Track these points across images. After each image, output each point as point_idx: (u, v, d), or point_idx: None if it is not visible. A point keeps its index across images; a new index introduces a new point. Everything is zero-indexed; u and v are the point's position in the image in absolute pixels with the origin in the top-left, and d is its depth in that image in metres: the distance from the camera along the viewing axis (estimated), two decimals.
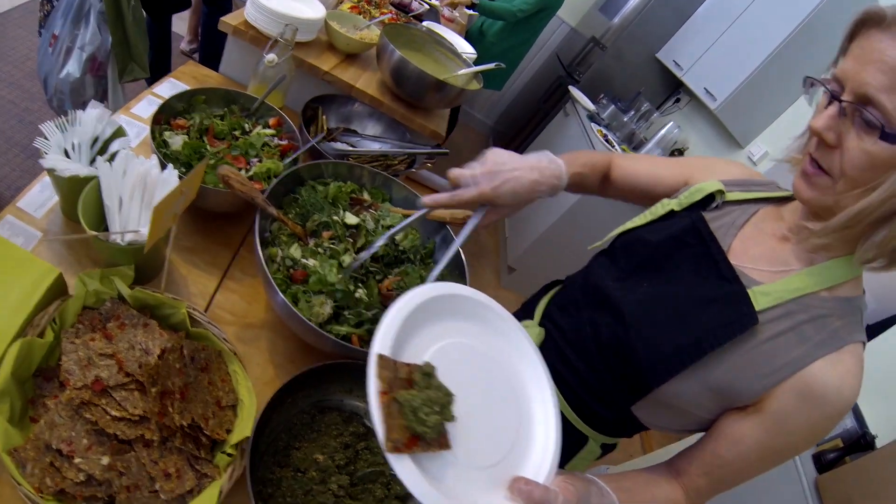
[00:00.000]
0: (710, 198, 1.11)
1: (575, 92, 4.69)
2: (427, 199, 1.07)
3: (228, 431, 0.95)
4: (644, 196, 1.27)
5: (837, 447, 2.20)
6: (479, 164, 1.08)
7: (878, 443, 2.14)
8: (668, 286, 1.05)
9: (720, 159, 1.25)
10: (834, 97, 0.84)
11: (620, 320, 1.05)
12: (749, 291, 0.95)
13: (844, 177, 0.85)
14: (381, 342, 0.78)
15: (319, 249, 1.21)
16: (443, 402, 0.76)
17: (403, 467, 0.70)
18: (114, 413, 0.86)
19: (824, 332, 0.90)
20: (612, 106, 4.68)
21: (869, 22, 0.82)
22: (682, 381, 0.96)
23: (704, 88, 4.13)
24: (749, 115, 3.86)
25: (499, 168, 1.07)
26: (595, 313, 1.13)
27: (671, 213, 1.13)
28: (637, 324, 1.03)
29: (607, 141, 4.22)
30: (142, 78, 2.65)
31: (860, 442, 2.15)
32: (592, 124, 4.32)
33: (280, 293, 1.05)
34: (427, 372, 0.79)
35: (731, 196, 1.10)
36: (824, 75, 0.90)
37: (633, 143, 4.62)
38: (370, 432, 1.12)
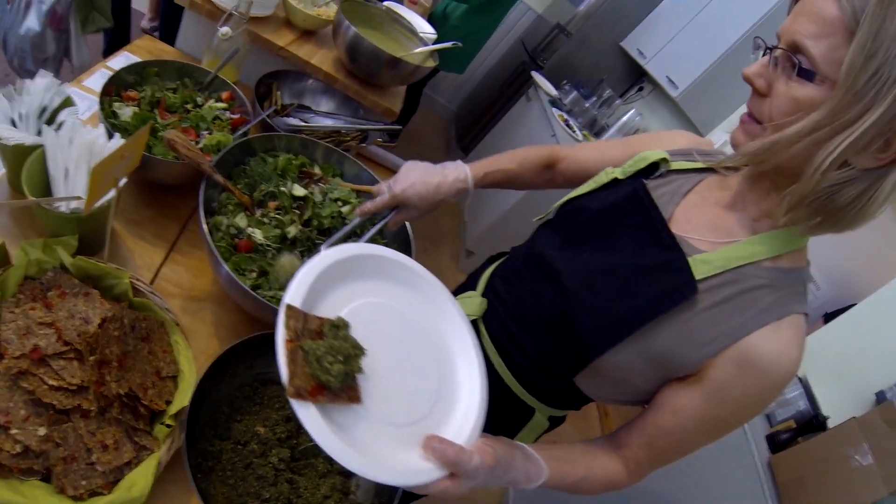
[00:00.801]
0: (654, 166, 1.11)
1: (538, 77, 4.71)
2: (358, 210, 1.22)
3: (168, 402, 0.95)
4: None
5: (790, 428, 2.27)
6: (397, 175, 1.22)
7: (830, 424, 2.20)
8: (609, 255, 1.04)
9: (667, 132, 1.25)
10: (768, 47, 0.86)
11: (561, 290, 1.05)
12: (690, 260, 0.94)
13: (772, 123, 0.85)
14: (293, 294, 0.80)
15: (265, 220, 1.22)
16: (349, 353, 0.77)
17: (306, 413, 0.72)
18: (51, 382, 0.85)
19: (764, 302, 0.89)
20: (575, 92, 4.71)
21: None
22: (622, 352, 0.96)
23: (667, 77, 4.21)
24: (710, 103, 3.95)
25: (407, 176, 1.21)
26: (537, 284, 1.13)
27: (615, 181, 1.13)
28: (577, 294, 1.02)
29: (568, 126, 4.26)
30: (105, 27, 2.59)
31: (812, 423, 2.21)
32: (554, 109, 4.35)
33: (223, 262, 1.05)
34: (337, 325, 0.80)
35: (675, 165, 1.10)
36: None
37: (595, 129, 4.67)
38: None
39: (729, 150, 1.07)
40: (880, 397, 2.17)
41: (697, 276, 0.92)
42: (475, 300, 1.23)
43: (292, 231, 1.22)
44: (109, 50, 3.49)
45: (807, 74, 0.80)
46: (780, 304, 0.89)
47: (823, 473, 1.99)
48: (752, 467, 2.22)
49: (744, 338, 0.88)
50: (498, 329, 1.18)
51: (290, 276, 0.90)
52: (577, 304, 1.01)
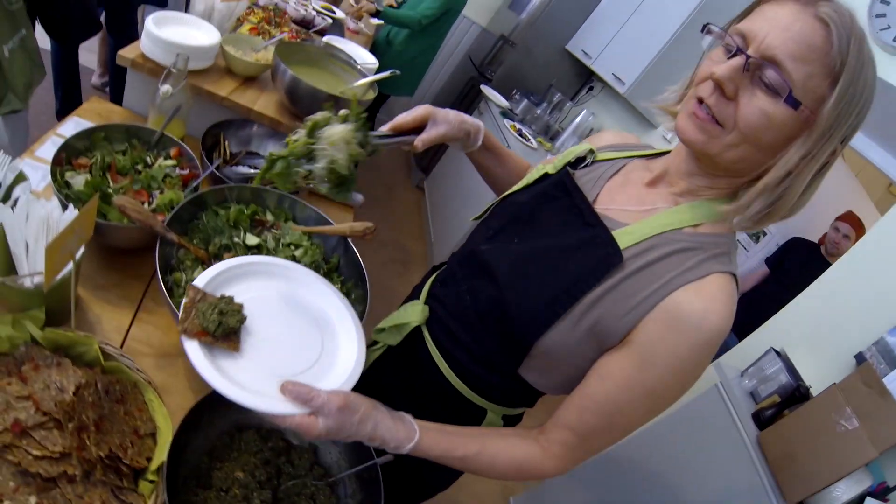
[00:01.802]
0: (581, 159, 1.17)
1: (487, 90, 4.79)
2: (384, 127, 1.20)
3: (149, 459, 0.98)
4: None
5: (775, 403, 2.29)
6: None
7: (814, 392, 2.23)
8: (537, 240, 1.07)
9: (595, 135, 1.31)
10: (740, 50, 0.86)
11: (495, 282, 1.07)
12: (613, 233, 0.98)
13: (737, 130, 0.88)
14: (197, 279, 1.06)
15: None
16: (226, 310, 1.00)
17: (189, 346, 0.96)
18: (35, 452, 0.87)
19: (686, 264, 0.92)
20: (525, 100, 4.81)
21: None
22: (558, 332, 0.98)
23: (613, 74, 4.31)
24: (658, 95, 4.03)
25: (432, 111, 1.21)
26: (472, 280, 1.15)
27: (545, 176, 1.18)
28: (509, 282, 1.05)
29: (521, 135, 4.34)
30: (19, 110, 2.59)
31: (795, 394, 2.24)
32: (505, 120, 4.43)
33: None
34: (225, 298, 1.03)
35: (601, 156, 1.17)
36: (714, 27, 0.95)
37: (550, 134, 4.77)
38: (290, 447, 1.17)
39: (657, 145, 1.14)
40: (859, 359, 2.21)
41: (622, 246, 0.96)
42: (417, 307, 1.24)
43: None
44: (62, 109, 3.53)
45: (793, 103, 0.84)
46: (703, 264, 0.92)
47: (812, 443, 2.02)
48: (742, 447, 2.25)
49: (667, 297, 0.90)
50: (441, 333, 1.20)
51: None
52: (511, 292, 1.04)
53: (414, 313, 1.23)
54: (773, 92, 0.84)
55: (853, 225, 3.89)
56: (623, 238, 0.97)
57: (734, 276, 0.94)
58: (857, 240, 3.49)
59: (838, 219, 3.99)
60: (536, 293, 1.00)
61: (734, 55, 0.87)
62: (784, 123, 0.86)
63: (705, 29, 0.95)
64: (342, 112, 1.07)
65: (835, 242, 3.92)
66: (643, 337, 0.92)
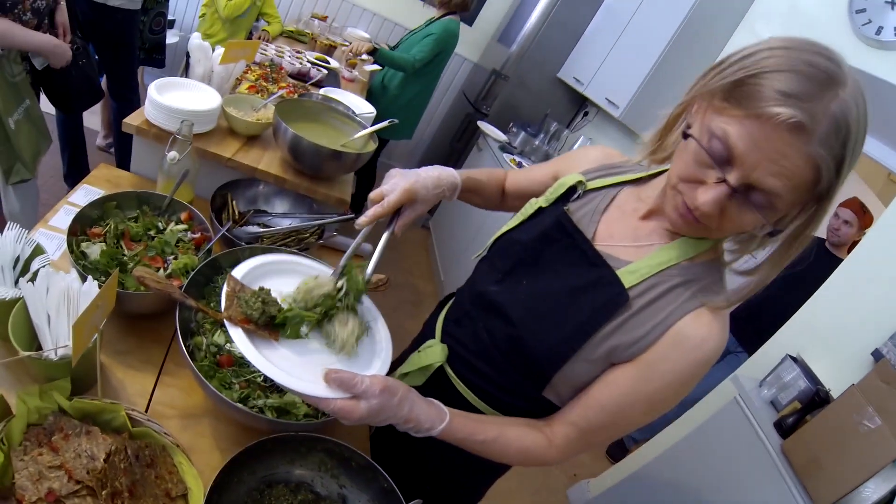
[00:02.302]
0: (572, 190, 1.22)
1: (484, 126, 4.84)
2: (362, 219, 1.17)
3: None
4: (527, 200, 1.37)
5: (796, 409, 2.31)
6: (386, 181, 1.21)
7: (834, 395, 2.24)
8: (545, 281, 1.14)
9: (580, 149, 1.39)
10: (727, 182, 0.88)
11: (509, 322, 1.14)
12: (618, 272, 1.06)
13: (721, 231, 0.99)
14: (235, 270, 1.14)
15: None
16: (266, 299, 1.05)
17: (234, 332, 1.01)
18: None
19: (688, 293, 1.01)
20: (523, 133, 4.85)
21: (788, 126, 0.81)
22: (575, 364, 1.07)
23: (606, 98, 4.34)
24: (652, 116, 4.05)
25: (405, 175, 1.20)
26: (486, 320, 1.22)
27: (539, 210, 1.24)
28: (523, 322, 1.12)
29: (521, 167, 4.37)
30: (28, 179, 2.64)
31: (815, 399, 2.26)
32: (505, 154, 4.48)
33: (207, 382, 1.13)
34: (265, 290, 1.09)
35: (591, 185, 1.22)
36: (701, 92, 0.96)
37: None
38: (319, 498, 1.19)
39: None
40: (877, 356, 2.22)
41: (627, 285, 1.04)
42: (436, 348, 1.30)
43: None
44: (70, 171, 3.61)
45: (775, 234, 0.93)
46: (698, 294, 1.01)
47: (837, 446, 2.02)
48: (767, 458, 2.26)
49: (675, 324, 1.00)
50: (464, 369, 1.26)
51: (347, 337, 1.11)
52: (526, 331, 1.12)
53: (434, 354, 1.28)
54: (761, 210, 0.89)
55: (855, 211, 3.58)
56: (627, 277, 1.05)
57: (727, 301, 1.02)
58: (860, 227, 3.46)
59: (841, 205, 3.65)
60: (551, 332, 1.08)
61: (718, 182, 0.90)
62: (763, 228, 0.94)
63: (686, 136, 0.96)
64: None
65: (835, 230, 3.59)
66: (649, 356, 1.02)
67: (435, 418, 1.05)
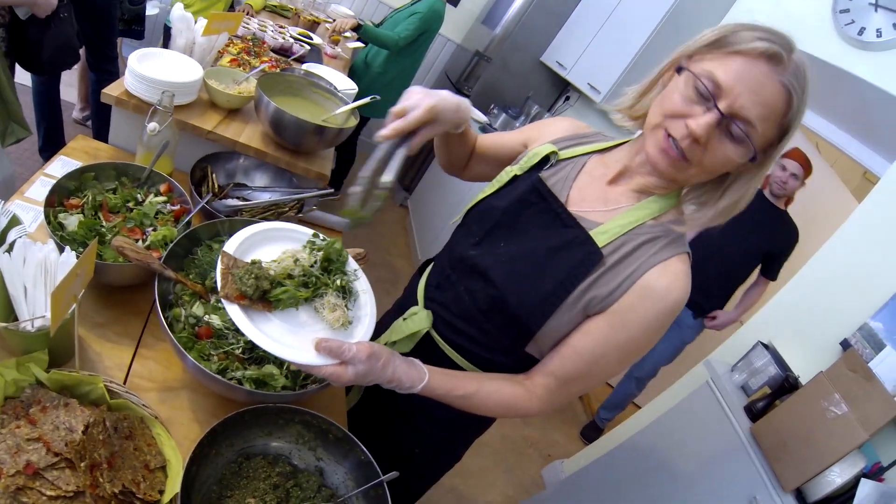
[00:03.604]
0: (545, 159, 1.27)
1: None
2: (383, 131, 1.14)
3: (161, 492, 1.00)
4: (494, 164, 1.43)
5: (765, 394, 2.35)
6: (411, 95, 1.17)
7: (802, 381, 2.29)
8: (522, 243, 1.21)
9: (549, 119, 1.43)
10: (715, 105, 0.99)
11: (490, 282, 1.21)
12: (591, 233, 1.14)
13: (700, 166, 1.06)
14: (227, 246, 1.16)
15: (219, 304, 1.27)
16: (259, 275, 1.09)
17: (231, 308, 1.05)
18: (49, 493, 0.89)
19: (652, 250, 1.11)
20: (504, 114, 4.85)
21: (764, 55, 0.97)
22: (555, 318, 1.14)
23: (588, 84, 4.37)
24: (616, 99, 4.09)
25: (429, 92, 1.17)
26: (467, 282, 1.27)
27: (514, 178, 1.30)
28: (505, 283, 1.19)
29: None
30: (25, 137, 2.60)
31: (784, 385, 2.30)
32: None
33: (186, 353, 1.13)
34: (255, 262, 1.13)
35: (563, 154, 1.29)
36: (683, 55, 1.09)
37: None
38: (297, 471, 1.20)
39: (613, 135, 1.30)
40: (845, 345, 2.27)
41: (600, 245, 1.13)
42: (422, 314, 1.34)
43: None
44: (45, 145, 3.54)
45: (753, 159, 1.02)
46: (666, 248, 1.11)
47: (804, 430, 2.07)
48: (737, 440, 2.30)
49: (643, 276, 1.09)
50: (448, 332, 1.32)
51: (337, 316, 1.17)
52: (507, 291, 1.18)
53: (420, 321, 1.32)
54: (739, 143, 1.01)
55: (802, 163, 3.47)
56: (599, 237, 1.13)
57: (688, 253, 1.14)
58: (804, 179, 3.49)
59: (786, 155, 3.50)
60: (532, 290, 1.15)
61: (708, 110, 1.01)
62: (737, 164, 1.05)
63: (680, 70, 1.07)
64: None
65: (782, 182, 3.50)
66: (621, 305, 1.11)
67: (415, 378, 1.12)
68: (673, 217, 1.16)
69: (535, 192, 1.23)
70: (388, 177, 1.12)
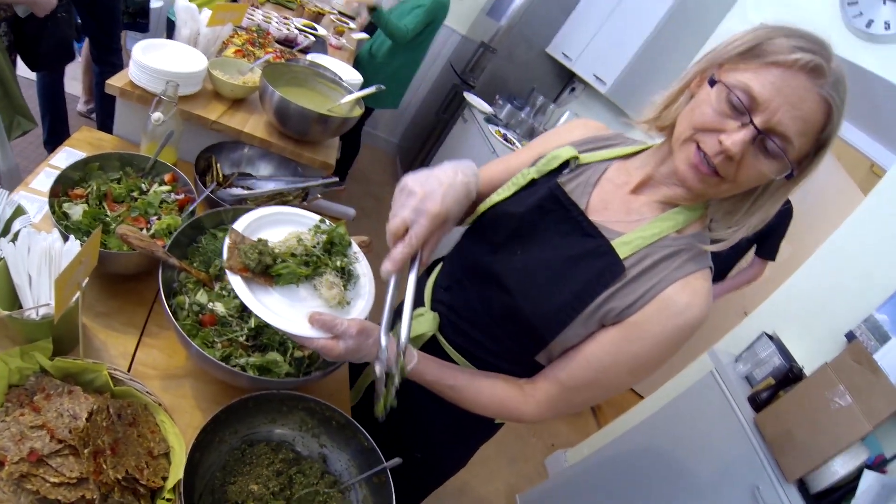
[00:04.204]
0: (565, 164, 1.23)
1: (470, 97, 4.82)
2: (389, 266, 1.05)
3: (164, 479, 1.01)
4: None
5: (770, 385, 2.34)
6: (404, 200, 1.05)
7: (807, 373, 2.29)
8: (541, 251, 1.16)
9: (562, 127, 1.37)
10: (751, 121, 0.94)
11: (506, 291, 1.17)
12: (612, 243, 1.09)
13: (734, 183, 1.01)
14: (237, 224, 1.18)
15: (224, 292, 1.29)
16: (263, 251, 1.11)
17: (234, 280, 1.08)
18: (52, 480, 0.90)
19: (675, 264, 1.06)
20: (509, 105, 4.84)
21: (805, 68, 0.91)
22: (571, 329, 1.10)
23: (594, 74, 4.34)
24: (638, 93, 4.07)
25: (430, 189, 1.04)
26: (481, 289, 1.24)
27: (532, 182, 1.24)
28: (521, 291, 1.15)
29: (506, 139, 4.37)
30: (30, 130, 2.61)
31: (789, 376, 2.30)
32: (490, 126, 4.47)
33: (190, 341, 1.14)
34: (262, 240, 1.14)
35: (583, 158, 1.23)
36: (713, 63, 1.03)
37: (534, 137, 4.77)
38: (300, 457, 1.20)
39: (634, 135, 1.26)
40: (850, 337, 2.26)
41: (622, 256, 1.08)
42: (428, 316, 1.32)
43: None
44: (49, 138, 3.54)
45: (789, 177, 0.97)
46: (686, 263, 1.07)
47: (808, 421, 2.06)
48: (741, 430, 2.30)
49: (663, 291, 1.04)
50: (456, 336, 1.30)
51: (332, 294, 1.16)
52: (523, 299, 1.14)
53: (426, 323, 1.31)
54: (774, 159, 0.96)
55: None
56: (621, 248, 1.08)
57: (710, 268, 1.10)
58: None
59: None
60: (548, 300, 1.11)
61: (743, 125, 0.95)
62: (773, 178, 0.99)
63: (712, 83, 1.00)
64: None
65: None
66: (637, 318, 1.06)
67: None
68: (697, 229, 1.12)
69: (553, 199, 1.18)
70: (403, 334, 1.00)
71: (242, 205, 1.49)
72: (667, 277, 1.05)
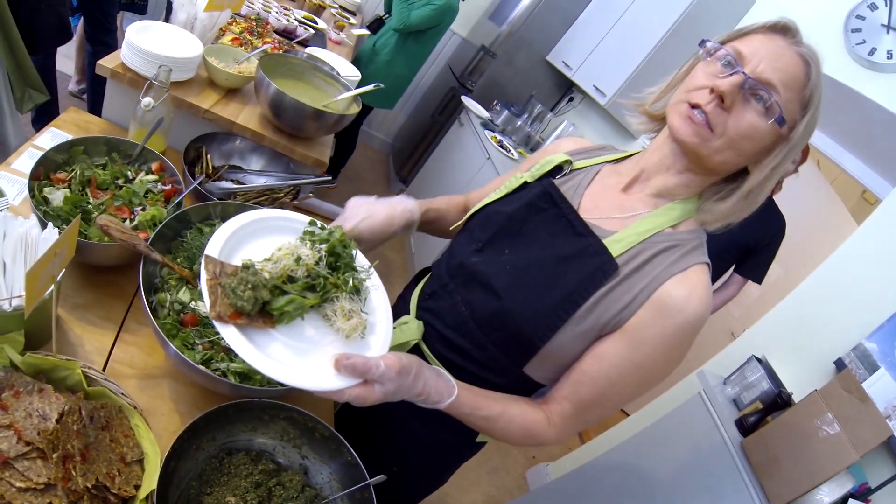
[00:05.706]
0: (558, 168, 1.23)
1: (467, 101, 4.80)
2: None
3: (137, 487, 0.95)
4: None
5: (757, 409, 2.33)
6: (342, 216, 1.24)
7: (796, 399, 2.28)
8: (529, 250, 1.15)
9: (549, 146, 1.38)
10: (740, 69, 0.99)
11: (493, 293, 1.13)
12: (604, 242, 1.08)
13: (725, 137, 1.01)
14: (210, 248, 0.97)
15: None
16: (256, 282, 0.91)
17: (227, 332, 0.88)
18: (18, 484, 0.85)
19: (670, 259, 1.05)
20: (506, 111, 4.81)
21: (777, 28, 1.03)
22: (562, 334, 1.06)
23: (594, 86, 4.34)
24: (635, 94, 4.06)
25: (355, 212, 1.24)
26: (466, 292, 1.20)
27: (524, 184, 1.25)
28: (509, 292, 1.11)
29: (502, 146, 4.34)
30: (44, 102, 2.55)
31: (777, 401, 2.29)
32: (486, 132, 4.43)
33: (168, 341, 1.07)
34: (247, 266, 0.94)
35: (577, 164, 1.25)
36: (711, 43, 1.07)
37: (530, 145, 4.78)
38: (280, 469, 1.15)
39: (626, 146, 1.24)
40: (839, 365, 2.25)
41: (614, 254, 1.06)
42: (412, 325, 1.27)
43: None
44: (38, 117, 3.46)
45: (779, 120, 0.99)
46: (684, 258, 1.05)
47: (795, 448, 2.05)
48: (726, 453, 2.28)
49: (656, 290, 1.02)
50: (440, 345, 1.25)
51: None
52: (512, 301, 1.11)
53: (410, 331, 1.26)
54: (764, 109, 0.99)
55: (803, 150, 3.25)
56: (614, 246, 1.07)
57: (707, 264, 1.08)
58: (798, 166, 3.17)
59: None
60: (539, 301, 1.08)
61: (733, 73, 1.00)
62: (764, 137, 1.01)
63: (702, 43, 1.07)
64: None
65: None
66: (635, 322, 1.04)
67: (444, 392, 1.03)
68: (692, 226, 1.11)
69: (546, 197, 1.17)
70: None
71: (231, 199, 1.43)
72: (662, 273, 1.04)
